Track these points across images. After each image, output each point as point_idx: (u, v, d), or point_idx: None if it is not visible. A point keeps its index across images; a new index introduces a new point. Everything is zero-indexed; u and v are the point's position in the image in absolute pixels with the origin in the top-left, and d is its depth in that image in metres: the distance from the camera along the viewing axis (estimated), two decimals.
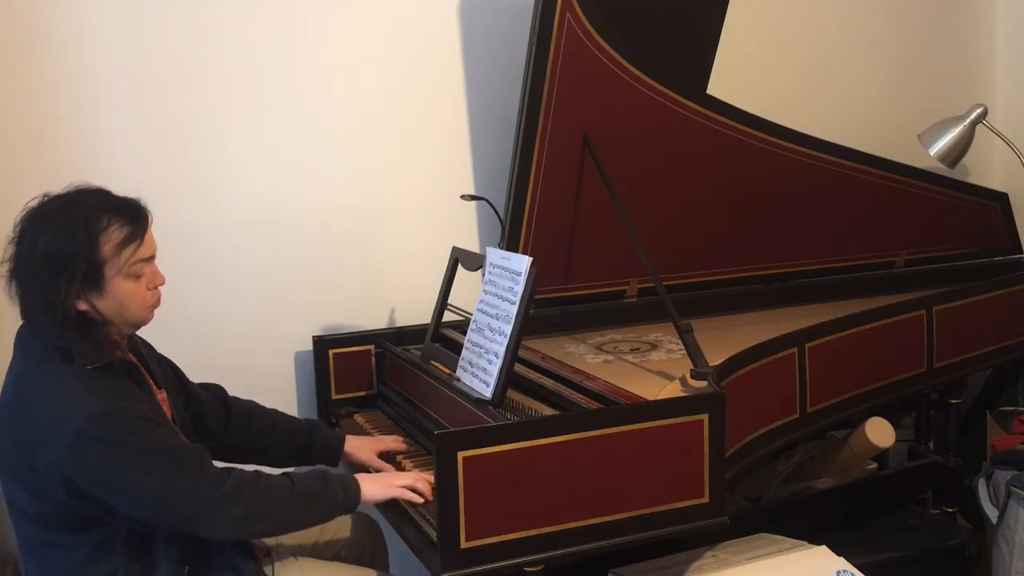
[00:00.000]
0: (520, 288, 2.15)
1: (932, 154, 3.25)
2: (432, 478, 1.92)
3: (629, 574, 2.28)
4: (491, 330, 2.20)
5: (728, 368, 2.21)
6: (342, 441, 2.31)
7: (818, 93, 3.46)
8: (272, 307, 2.74)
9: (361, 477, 1.99)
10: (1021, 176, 3.27)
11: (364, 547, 2.35)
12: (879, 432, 2.79)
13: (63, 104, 2.50)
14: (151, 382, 1.94)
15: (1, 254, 1.82)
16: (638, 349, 2.64)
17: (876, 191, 3.15)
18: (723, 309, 3.02)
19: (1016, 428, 3.11)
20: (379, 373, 2.72)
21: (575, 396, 2.15)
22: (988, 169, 3.73)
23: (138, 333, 1.99)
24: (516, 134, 2.60)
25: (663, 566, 2.28)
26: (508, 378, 2.13)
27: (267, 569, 2.04)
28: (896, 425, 2.89)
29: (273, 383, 2.72)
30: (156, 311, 1.92)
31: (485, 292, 2.29)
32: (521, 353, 2.29)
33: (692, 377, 2.15)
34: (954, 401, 3.06)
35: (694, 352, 2.18)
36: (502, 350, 2.13)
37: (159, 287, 1.89)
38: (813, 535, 2.38)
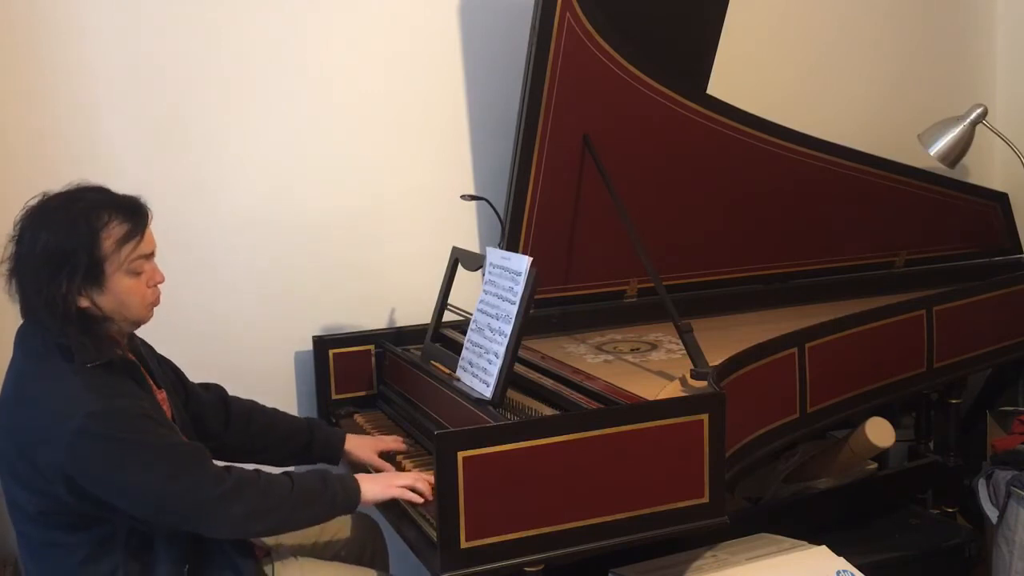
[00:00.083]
0: (520, 288, 2.15)
1: (932, 154, 3.25)
2: (432, 478, 1.92)
3: (629, 574, 2.27)
4: (491, 330, 2.20)
5: (728, 368, 2.21)
6: (342, 440, 2.31)
7: (818, 93, 3.46)
8: (272, 307, 2.74)
9: (361, 477, 1.99)
10: (1021, 176, 3.27)
11: (364, 547, 2.35)
12: (879, 432, 2.79)
13: (63, 104, 2.50)
14: (151, 382, 1.94)
15: (1, 253, 1.82)
16: (638, 349, 2.64)
17: (876, 191, 3.15)
18: (723, 309, 3.02)
19: (1016, 428, 3.11)
20: (379, 373, 2.72)
21: (575, 396, 2.15)
22: (988, 169, 3.73)
23: (138, 334, 1.99)
24: (516, 134, 2.60)
25: (663, 566, 2.28)
26: (508, 378, 2.13)
27: (267, 569, 2.04)
28: (896, 425, 2.89)
29: (273, 383, 2.72)
30: (156, 311, 1.93)
31: (485, 292, 2.29)
32: (521, 353, 2.29)
33: (692, 377, 2.15)
34: (954, 401, 3.06)
35: (694, 352, 2.18)
36: (502, 350, 2.13)
37: (158, 285, 1.90)
38: (813, 535, 2.38)
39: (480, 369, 2.19)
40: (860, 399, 2.70)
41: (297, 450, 2.29)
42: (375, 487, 1.98)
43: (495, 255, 2.29)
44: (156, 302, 1.90)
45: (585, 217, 2.75)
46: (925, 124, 3.32)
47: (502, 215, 2.67)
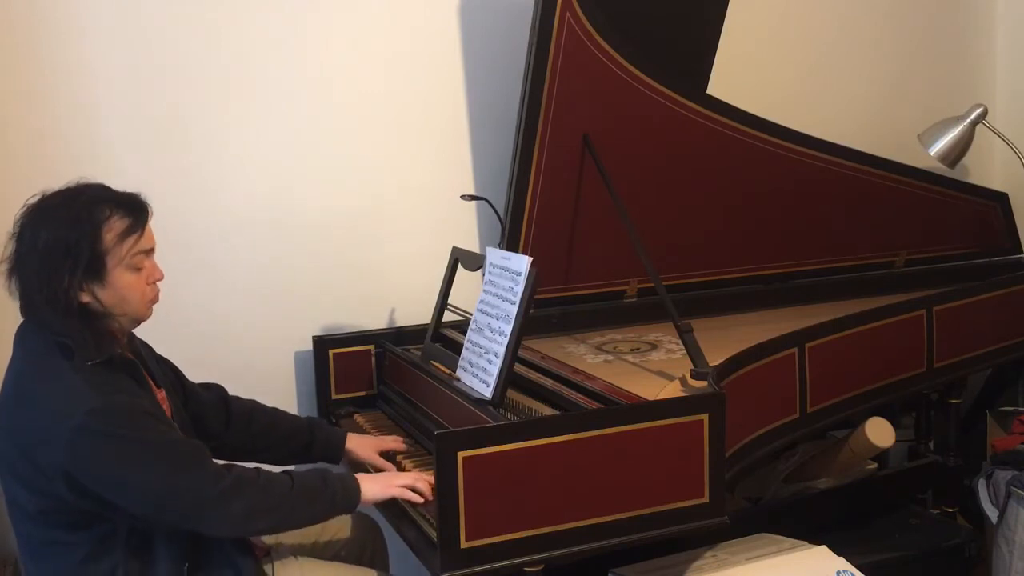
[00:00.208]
0: (520, 288, 2.15)
1: (932, 154, 3.25)
2: (432, 478, 1.92)
3: (629, 574, 2.27)
4: (491, 330, 2.20)
5: (728, 368, 2.21)
6: (343, 439, 2.31)
7: (818, 93, 3.46)
8: (272, 307, 2.74)
9: (361, 476, 1.99)
10: (1021, 176, 3.27)
11: (364, 547, 2.35)
12: (879, 432, 2.79)
13: (63, 104, 2.50)
14: (150, 381, 1.94)
15: (1, 252, 1.82)
16: (638, 349, 2.64)
17: (876, 191, 3.15)
18: (723, 309, 3.02)
19: (1016, 428, 3.11)
20: (379, 373, 2.72)
21: (575, 396, 2.15)
22: (988, 169, 3.73)
23: (138, 334, 1.99)
24: (516, 134, 2.60)
25: (663, 566, 2.28)
26: (508, 378, 2.13)
27: (267, 568, 2.04)
28: (896, 425, 2.89)
29: (273, 383, 2.72)
30: (156, 311, 1.93)
31: (485, 292, 2.29)
32: (521, 353, 2.29)
33: (692, 377, 2.15)
34: (954, 401, 3.06)
35: (694, 352, 2.18)
36: (502, 350, 2.13)
37: (158, 282, 1.90)
38: (813, 535, 2.38)
39: (480, 369, 2.19)
40: (860, 399, 2.70)
41: (298, 449, 2.29)
42: (375, 486, 1.98)
43: (495, 255, 2.29)
44: (155, 299, 1.91)
45: (585, 217, 2.75)
46: (925, 124, 3.32)
47: (502, 215, 2.67)
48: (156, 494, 1.76)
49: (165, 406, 1.95)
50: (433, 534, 1.85)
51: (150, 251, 1.88)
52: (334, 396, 2.71)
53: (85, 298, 1.78)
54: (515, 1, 2.79)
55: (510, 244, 2.64)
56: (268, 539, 2.18)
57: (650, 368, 2.44)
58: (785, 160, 2.97)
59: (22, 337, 1.85)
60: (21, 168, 2.43)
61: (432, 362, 2.46)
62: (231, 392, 2.29)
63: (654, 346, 2.66)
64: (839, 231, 3.19)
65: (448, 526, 1.77)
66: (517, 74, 2.59)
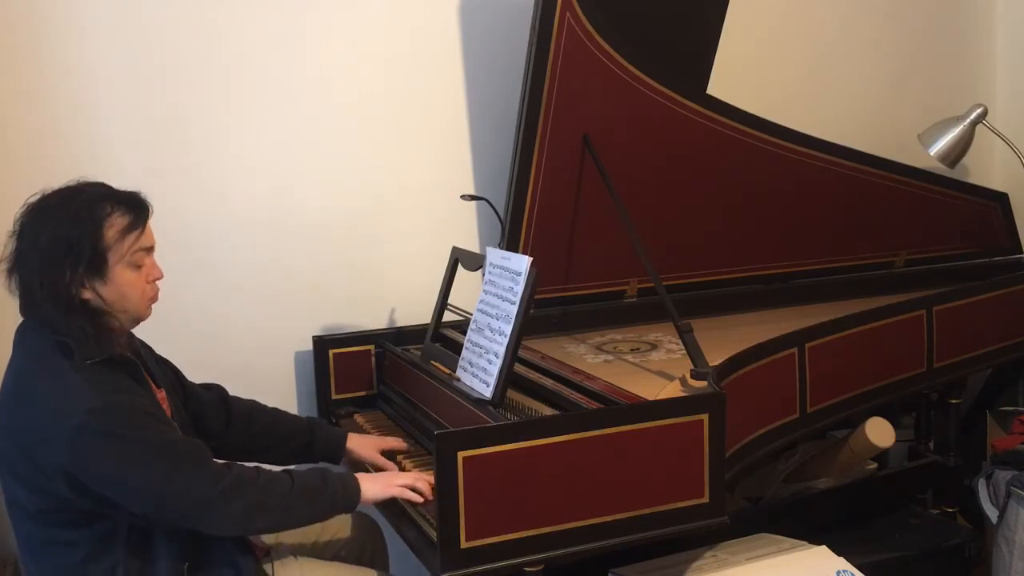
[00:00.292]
0: (520, 288, 2.15)
1: (932, 154, 3.25)
2: (432, 478, 1.92)
3: (629, 574, 2.27)
4: (491, 330, 2.20)
5: (728, 368, 2.21)
6: (344, 439, 2.31)
7: (818, 93, 3.46)
8: (272, 307, 2.74)
9: (361, 476, 1.99)
10: (1021, 176, 3.27)
11: (364, 547, 2.35)
12: (879, 432, 2.79)
13: (63, 104, 2.50)
14: (150, 381, 1.94)
15: (1, 252, 1.83)
16: (638, 349, 2.64)
17: (876, 191, 3.15)
18: (723, 309, 3.02)
19: (1016, 428, 3.11)
20: (379, 373, 2.72)
21: (575, 396, 2.15)
22: (988, 169, 3.73)
23: (138, 335, 1.99)
24: (516, 134, 2.60)
25: (663, 566, 2.28)
26: (508, 378, 2.13)
27: (267, 568, 2.04)
28: (896, 425, 2.89)
29: (273, 383, 2.72)
30: (156, 311, 1.93)
31: (485, 292, 2.29)
32: (521, 353, 2.29)
33: (692, 377, 2.15)
34: (954, 401, 3.06)
35: (694, 352, 2.18)
36: (502, 350, 2.13)
37: (157, 281, 1.91)
38: (813, 535, 2.38)
39: (480, 369, 2.19)
40: (860, 399, 2.70)
41: (298, 449, 2.29)
42: (375, 486, 1.98)
43: (495, 255, 2.29)
44: (155, 298, 1.92)
45: (585, 217, 2.75)
46: (925, 124, 3.32)
47: (502, 215, 2.67)
48: (156, 493, 1.76)
49: (165, 406, 1.95)
50: (433, 534, 1.85)
51: (150, 249, 1.88)
52: (334, 396, 2.71)
53: (86, 295, 1.79)
54: (515, 1, 2.79)
55: (510, 244, 2.64)
56: (268, 539, 2.18)
57: (650, 368, 2.44)
58: (785, 160, 2.97)
59: (22, 336, 1.85)
60: (21, 168, 2.43)
61: (432, 362, 2.46)
62: (231, 392, 2.29)
63: (654, 346, 2.66)
64: (839, 231, 3.19)
65: (448, 526, 1.77)
66: (517, 74, 2.59)
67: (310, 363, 2.73)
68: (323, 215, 2.78)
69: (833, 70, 3.49)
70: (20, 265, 1.80)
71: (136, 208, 1.85)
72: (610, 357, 2.58)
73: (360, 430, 2.50)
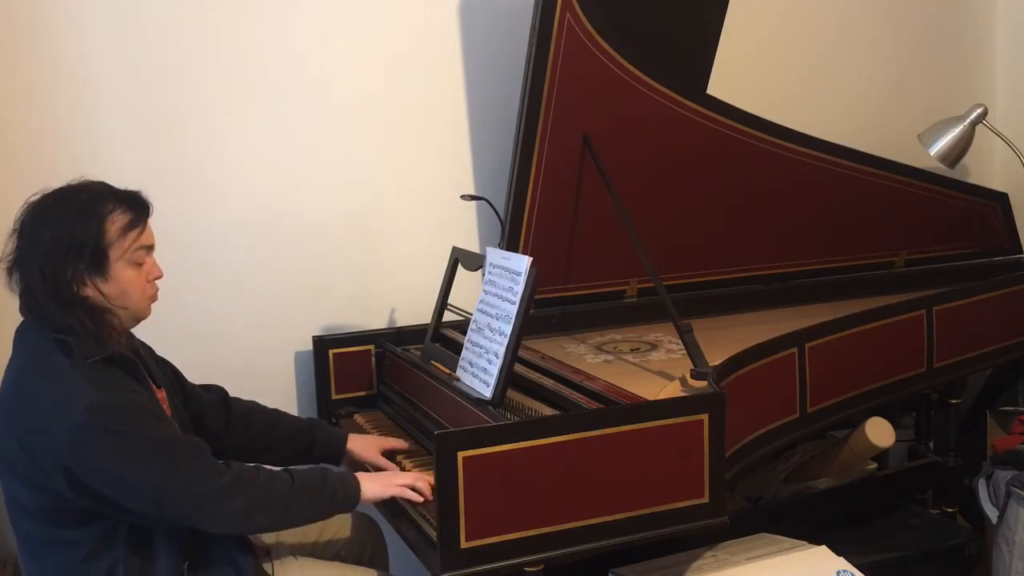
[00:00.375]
0: (520, 288, 2.15)
1: (932, 154, 3.25)
2: (432, 478, 1.92)
3: (629, 574, 2.27)
4: (491, 330, 2.20)
5: (728, 368, 2.21)
6: (344, 440, 2.31)
7: (818, 93, 3.46)
8: (272, 307, 2.74)
9: (361, 475, 1.99)
10: (1021, 176, 3.27)
11: (364, 547, 2.35)
12: (879, 432, 2.79)
13: (63, 104, 2.50)
14: (150, 380, 1.94)
15: (1, 251, 1.83)
16: (638, 349, 2.64)
17: (876, 191, 3.15)
18: (723, 309, 3.02)
19: (1016, 428, 3.11)
20: (379, 373, 2.72)
21: (575, 396, 2.15)
22: (988, 169, 3.73)
23: (138, 334, 1.99)
24: (516, 134, 2.60)
25: (663, 566, 2.28)
26: (508, 378, 2.13)
27: (267, 568, 2.04)
28: (896, 425, 2.89)
29: (273, 383, 2.72)
30: (156, 312, 1.93)
31: (485, 292, 2.29)
32: (521, 353, 2.29)
33: (692, 377, 2.15)
34: (954, 401, 3.06)
35: (694, 352, 2.18)
36: (502, 350, 2.13)
37: (157, 280, 1.91)
38: (813, 535, 2.38)
39: (480, 369, 2.19)
40: (860, 399, 2.70)
41: (299, 450, 2.29)
42: (375, 485, 1.98)
43: (495, 255, 2.29)
44: (154, 298, 1.92)
45: (585, 217, 2.75)
46: (925, 124, 3.32)
47: (502, 215, 2.67)
48: (155, 490, 1.76)
49: (165, 406, 1.95)
50: (433, 534, 1.85)
51: (150, 248, 1.89)
52: (334, 396, 2.71)
53: (87, 291, 1.79)
54: (515, 1, 2.79)
55: (510, 244, 2.64)
56: (268, 538, 2.18)
57: (650, 368, 2.44)
58: (785, 160, 2.97)
59: (22, 336, 1.86)
60: (21, 168, 2.43)
61: (432, 362, 2.46)
62: (231, 392, 2.29)
63: (654, 346, 2.66)
64: (839, 231, 3.19)
65: (448, 526, 1.77)
66: (517, 74, 2.59)
67: (310, 363, 2.73)
68: (323, 215, 2.78)
69: (833, 70, 3.49)
70: (21, 263, 1.80)
71: (137, 206, 1.86)
72: (610, 357, 2.58)
73: (360, 430, 2.50)
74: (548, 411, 2.15)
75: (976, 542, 2.87)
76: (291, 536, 2.21)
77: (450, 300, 2.54)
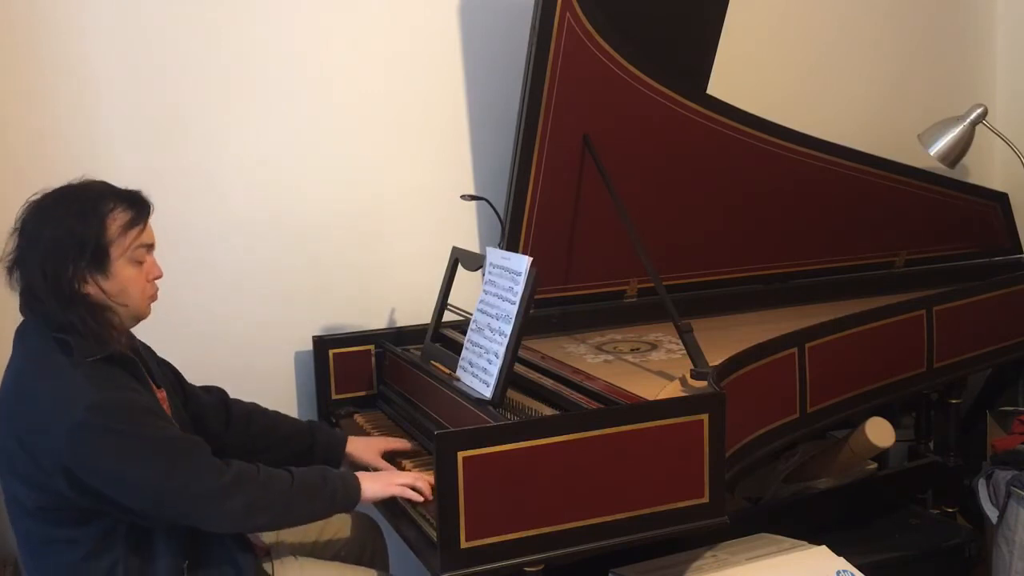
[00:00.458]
0: (520, 288, 2.15)
1: (932, 154, 3.25)
2: (432, 478, 1.92)
3: (629, 574, 2.27)
4: (491, 330, 2.20)
5: (728, 368, 2.21)
6: (344, 442, 2.30)
7: (818, 93, 3.46)
8: (272, 307, 2.74)
9: (361, 475, 1.99)
10: (1021, 176, 3.27)
11: (364, 547, 2.35)
12: (879, 432, 2.79)
13: (63, 104, 2.50)
14: (150, 381, 1.94)
15: (1, 250, 1.83)
16: (638, 349, 2.64)
17: (876, 191, 3.15)
18: (723, 309, 3.02)
19: (1016, 428, 3.11)
20: (379, 373, 2.72)
21: (575, 396, 2.15)
22: (988, 169, 3.73)
23: (138, 334, 1.99)
24: (516, 134, 2.60)
25: (663, 566, 2.28)
26: (508, 378, 2.13)
27: (267, 567, 2.04)
28: (896, 425, 2.89)
29: (273, 383, 2.72)
30: (156, 312, 1.94)
31: (485, 292, 2.29)
32: (521, 353, 2.29)
33: (692, 377, 2.15)
34: (954, 401, 3.06)
35: (694, 352, 2.18)
36: (502, 350, 2.13)
37: (157, 280, 1.92)
38: (813, 535, 2.38)
39: (480, 369, 2.19)
40: (860, 399, 2.70)
41: (299, 451, 2.29)
42: (375, 485, 1.98)
43: (495, 255, 2.29)
44: (154, 297, 1.93)
45: (585, 217, 2.75)
46: (925, 124, 3.32)
47: (502, 215, 2.67)
48: (155, 489, 1.76)
49: (165, 406, 1.95)
50: (433, 534, 1.85)
51: (151, 247, 1.90)
52: (334, 396, 2.71)
53: (88, 289, 1.79)
54: (515, 1, 2.79)
55: (510, 244, 2.64)
56: (268, 538, 2.18)
57: (650, 368, 2.44)
58: (785, 160, 2.97)
59: (22, 335, 1.86)
60: (21, 168, 2.43)
61: (432, 362, 2.46)
62: (231, 392, 2.29)
63: (654, 346, 2.66)
64: (839, 231, 3.19)
65: (448, 526, 1.77)
66: (517, 74, 2.59)
67: (310, 363, 2.73)
68: (323, 215, 2.78)
69: (833, 70, 3.49)
70: (22, 261, 1.80)
71: (137, 205, 1.87)
72: (610, 357, 2.58)
73: (360, 430, 2.51)
74: (548, 411, 2.15)
75: (976, 542, 2.87)
76: (291, 536, 2.22)
77: (450, 300, 2.54)
